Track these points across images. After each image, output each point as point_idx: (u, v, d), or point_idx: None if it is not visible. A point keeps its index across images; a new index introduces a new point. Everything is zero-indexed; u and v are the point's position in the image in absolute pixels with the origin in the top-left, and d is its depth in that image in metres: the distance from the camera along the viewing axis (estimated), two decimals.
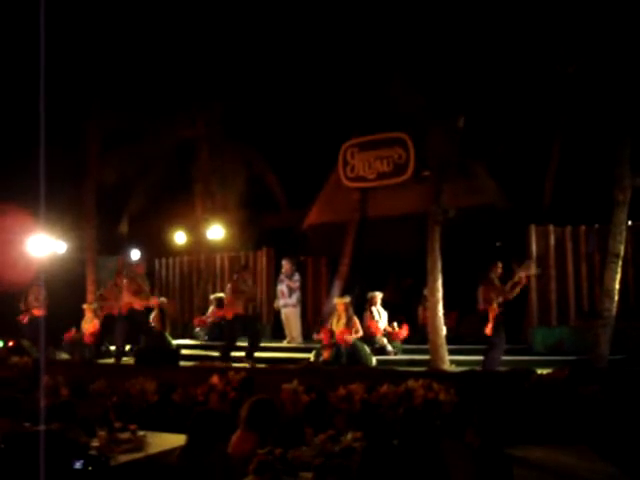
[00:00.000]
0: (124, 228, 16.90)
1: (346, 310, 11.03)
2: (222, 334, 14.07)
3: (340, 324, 10.92)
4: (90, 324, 13.08)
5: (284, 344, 13.08)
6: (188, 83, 15.27)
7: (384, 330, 11.96)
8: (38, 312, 13.11)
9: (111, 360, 12.82)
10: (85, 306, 13.41)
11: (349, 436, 5.48)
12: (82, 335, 13.15)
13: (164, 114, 15.69)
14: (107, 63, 14.51)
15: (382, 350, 11.55)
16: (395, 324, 12.12)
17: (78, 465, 4.35)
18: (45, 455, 3.41)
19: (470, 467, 4.25)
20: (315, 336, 11.88)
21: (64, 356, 13.21)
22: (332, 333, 11.05)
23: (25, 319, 13.21)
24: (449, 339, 10.53)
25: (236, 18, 14.76)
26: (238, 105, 16.01)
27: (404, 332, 12.03)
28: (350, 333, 10.80)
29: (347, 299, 11.25)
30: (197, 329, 14.51)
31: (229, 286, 12.33)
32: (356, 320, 11.09)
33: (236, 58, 15.18)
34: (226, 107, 16.28)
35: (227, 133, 16.69)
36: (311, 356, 11.10)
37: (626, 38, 9.44)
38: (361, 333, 11.05)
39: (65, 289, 14.57)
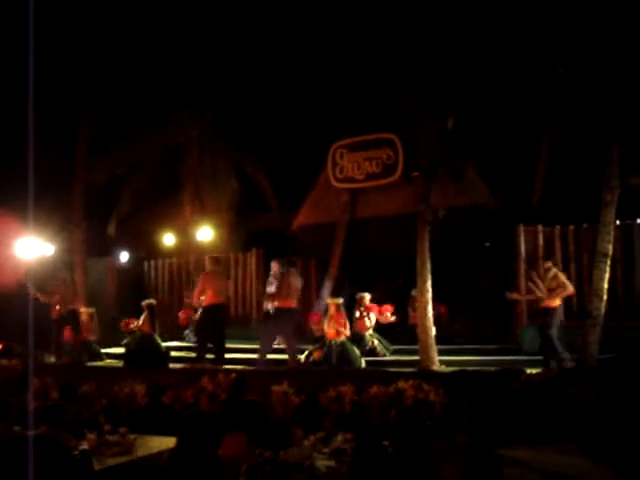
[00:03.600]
0: (113, 230, 16.83)
1: (338, 311, 11.04)
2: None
3: (332, 325, 10.93)
4: (83, 327, 13.05)
5: (274, 346, 13.04)
6: (178, 85, 15.23)
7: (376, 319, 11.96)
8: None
9: (102, 363, 12.79)
10: (82, 309, 13.38)
11: (339, 438, 5.49)
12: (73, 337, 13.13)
13: (154, 116, 15.65)
14: (97, 65, 14.45)
15: (372, 351, 11.56)
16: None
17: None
18: (34, 460, 3.39)
19: (460, 467, 4.25)
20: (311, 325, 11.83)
21: (53, 359, 13.15)
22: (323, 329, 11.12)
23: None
24: (439, 339, 10.54)
25: (226, 21, 14.74)
26: (228, 107, 15.99)
27: (390, 313, 11.99)
28: (344, 327, 10.83)
29: (339, 300, 11.24)
30: (186, 331, 14.46)
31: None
32: (346, 320, 11.09)
33: (226, 60, 15.16)
34: (216, 109, 16.25)
35: (217, 134, 16.66)
36: (302, 357, 11.10)
37: (615, 40, 9.48)
38: (348, 333, 11.05)
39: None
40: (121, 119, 15.34)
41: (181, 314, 14.65)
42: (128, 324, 13.24)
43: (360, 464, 3.94)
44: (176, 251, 17.16)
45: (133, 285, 16.81)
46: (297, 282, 11.12)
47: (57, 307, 13.12)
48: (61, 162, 14.97)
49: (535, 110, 12.21)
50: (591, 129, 10.62)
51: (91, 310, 13.40)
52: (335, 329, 10.83)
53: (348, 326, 11.07)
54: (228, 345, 12.57)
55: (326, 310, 11.51)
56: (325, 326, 11.11)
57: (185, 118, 16.12)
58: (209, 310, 11.51)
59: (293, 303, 11.00)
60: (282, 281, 10.94)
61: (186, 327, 14.54)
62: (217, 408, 8.45)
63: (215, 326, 11.48)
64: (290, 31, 14.50)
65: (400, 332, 12.58)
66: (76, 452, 5.06)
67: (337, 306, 11.08)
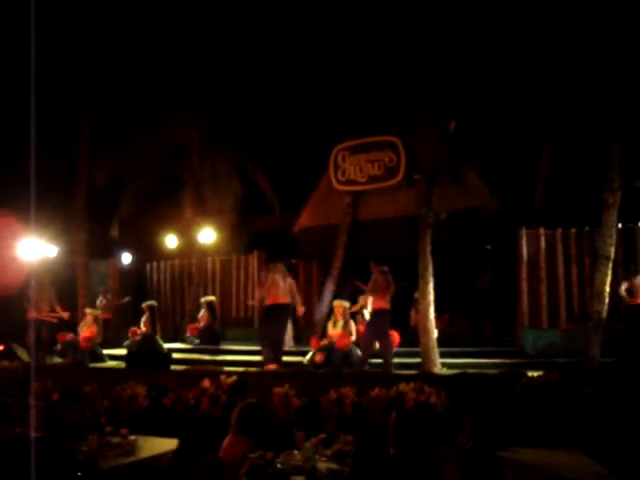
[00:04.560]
0: (115, 232, 16.84)
1: (343, 314, 11.00)
2: (213, 337, 14.06)
3: (337, 327, 10.89)
4: (88, 329, 13.07)
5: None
6: (179, 86, 15.24)
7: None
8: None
9: (104, 364, 12.79)
10: (87, 310, 13.40)
11: (341, 440, 5.47)
12: (77, 339, 13.14)
13: (155, 118, 15.66)
14: (99, 69, 14.48)
15: (373, 354, 11.54)
16: None
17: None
18: (36, 461, 3.38)
19: (461, 469, 4.25)
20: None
21: (56, 360, 13.15)
22: (323, 337, 11.07)
23: None
24: (440, 342, 10.53)
25: (228, 22, 14.75)
26: (230, 108, 15.99)
27: (396, 339, 11.97)
28: (349, 337, 10.79)
29: (346, 303, 11.19)
30: (188, 333, 14.48)
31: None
32: (352, 324, 11.07)
33: (228, 62, 15.17)
34: (217, 110, 16.26)
35: (219, 137, 16.67)
36: (306, 359, 11.07)
37: (616, 42, 9.48)
38: (354, 337, 11.04)
39: (56, 293, 14.51)
40: (122, 121, 15.36)
41: (190, 327, 14.63)
42: (136, 332, 13.27)
43: (361, 466, 3.94)
44: (178, 253, 17.18)
45: (135, 287, 16.83)
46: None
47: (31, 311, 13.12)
48: (63, 164, 15.02)
49: (536, 113, 12.20)
50: (592, 131, 10.61)
51: (95, 312, 13.42)
52: (342, 333, 10.78)
53: (354, 331, 11.06)
54: (229, 346, 12.60)
55: (330, 313, 11.48)
56: (329, 328, 11.09)
57: (186, 119, 16.12)
58: (268, 310, 11.05)
59: (388, 304, 10.55)
60: (376, 280, 10.48)
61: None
62: (218, 410, 8.47)
63: (271, 327, 10.99)
64: (292, 32, 14.50)
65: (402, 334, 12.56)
66: (80, 458, 5.07)
67: (344, 310, 11.01)
